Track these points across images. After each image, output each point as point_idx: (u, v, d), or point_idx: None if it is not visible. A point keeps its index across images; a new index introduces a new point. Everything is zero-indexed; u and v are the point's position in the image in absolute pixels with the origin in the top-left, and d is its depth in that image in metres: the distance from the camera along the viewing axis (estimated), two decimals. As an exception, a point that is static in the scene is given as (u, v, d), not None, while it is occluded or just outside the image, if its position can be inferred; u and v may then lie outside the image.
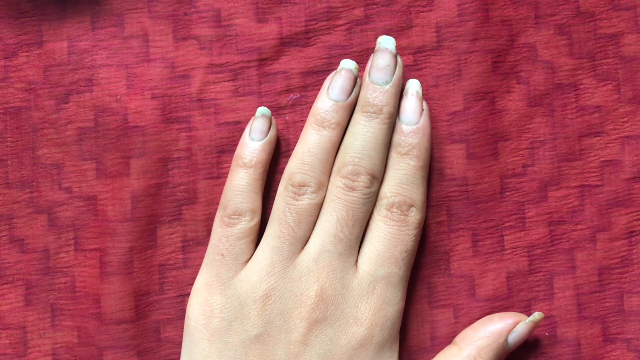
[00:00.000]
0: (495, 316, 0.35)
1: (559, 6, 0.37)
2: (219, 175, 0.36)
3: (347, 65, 0.35)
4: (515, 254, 0.36)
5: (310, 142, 0.34)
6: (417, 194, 0.34)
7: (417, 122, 0.34)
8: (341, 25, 0.36)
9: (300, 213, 0.34)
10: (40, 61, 0.36)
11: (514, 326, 0.34)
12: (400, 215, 0.34)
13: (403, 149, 0.34)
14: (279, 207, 0.34)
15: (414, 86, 0.35)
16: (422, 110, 0.35)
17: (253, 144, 0.35)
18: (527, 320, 0.34)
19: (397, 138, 0.35)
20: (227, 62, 0.36)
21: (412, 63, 0.36)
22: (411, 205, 0.34)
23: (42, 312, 0.36)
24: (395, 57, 0.34)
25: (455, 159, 0.36)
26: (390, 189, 0.34)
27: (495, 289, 0.36)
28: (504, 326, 0.34)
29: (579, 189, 0.37)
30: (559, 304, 0.36)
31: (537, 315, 0.34)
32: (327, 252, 0.33)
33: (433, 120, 0.36)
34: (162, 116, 0.36)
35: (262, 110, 0.35)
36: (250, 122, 0.35)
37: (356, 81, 0.35)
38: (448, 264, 0.36)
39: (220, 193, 0.36)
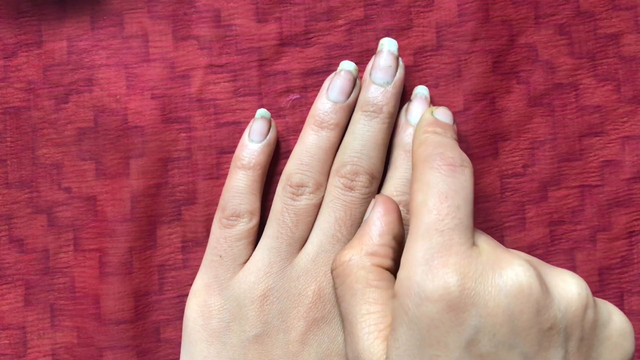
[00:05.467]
0: None
1: (559, 6, 0.37)
2: (218, 175, 0.36)
3: (347, 66, 0.35)
4: (515, 254, 0.36)
5: (309, 142, 0.34)
6: None
7: None
8: (341, 26, 0.36)
9: (299, 213, 0.34)
10: (40, 61, 0.36)
11: None
12: (406, 214, 0.34)
13: (411, 148, 0.34)
14: (278, 207, 0.34)
15: (422, 90, 0.35)
16: None
17: (252, 145, 0.35)
18: None
19: (406, 137, 0.34)
20: (227, 63, 0.36)
21: (412, 63, 0.36)
22: None
23: (42, 312, 0.36)
24: (397, 59, 0.34)
25: (455, 159, 0.36)
26: (397, 187, 0.34)
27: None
28: None
29: (579, 189, 0.37)
30: (559, 304, 0.36)
31: None
32: (325, 252, 0.33)
33: (433, 120, 0.36)
34: (161, 116, 0.36)
35: (262, 112, 0.35)
36: (250, 123, 0.35)
37: (355, 82, 0.35)
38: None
39: (220, 194, 0.36)
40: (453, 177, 0.29)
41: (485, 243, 0.29)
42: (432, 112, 0.32)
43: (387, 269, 0.31)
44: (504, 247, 0.29)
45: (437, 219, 0.28)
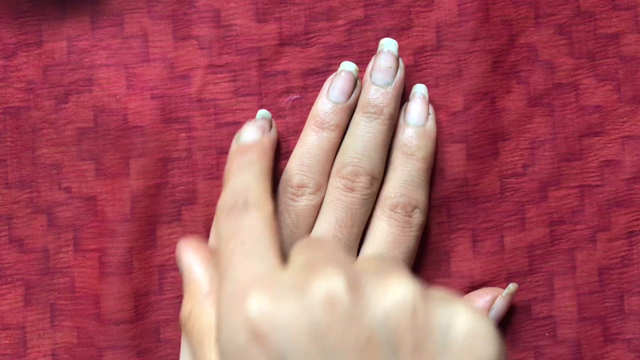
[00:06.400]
0: (473, 295, 0.35)
1: (559, 6, 0.37)
2: (218, 176, 0.36)
3: (348, 67, 0.35)
4: (515, 255, 0.36)
5: (310, 143, 0.34)
6: (421, 195, 0.34)
7: (424, 124, 0.35)
8: (341, 26, 0.36)
9: (299, 214, 0.34)
10: (40, 61, 0.36)
11: (493, 303, 0.34)
12: (405, 216, 0.34)
13: (409, 149, 0.34)
14: (278, 208, 0.34)
15: (420, 89, 0.35)
16: (429, 113, 0.35)
17: None
18: (503, 294, 0.34)
19: (404, 139, 0.35)
20: (227, 63, 0.36)
21: (412, 63, 0.36)
22: (415, 207, 0.34)
23: (42, 312, 0.36)
24: (397, 59, 0.34)
25: (456, 159, 0.36)
26: (395, 189, 0.34)
27: (495, 289, 0.36)
28: (484, 305, 0.34)
29: (578, 189, 0.37)
30: (559, 304, 0.36)
31: (512, 287, 0.35)
32: (325, 253, 0.33)
33: (433, 120, 0.36)
34: (161, 116, 0.36)
35: (262, 112, 0.35)
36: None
37: (356, 83, 0.35)
38: (448, 265, 0.36)
39: (220, 194, 0.36)
40: (238, 221, 0.28)
41: (302, 262, 0.26)
42: (237, 138, 0.33)
43: None
44: (330, 258, 0.26)
45: (229, 258, 0.27)
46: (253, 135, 0.33)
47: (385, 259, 0.28)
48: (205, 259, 0.31)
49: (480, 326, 0.25)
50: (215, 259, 0.31)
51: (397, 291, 0.25)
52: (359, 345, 0.24)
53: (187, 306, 0.30)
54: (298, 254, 0.27)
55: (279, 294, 0.25)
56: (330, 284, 0.25)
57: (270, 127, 0.35)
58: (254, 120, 0.35)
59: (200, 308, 0.29)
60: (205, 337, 0.29)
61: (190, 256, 0.31)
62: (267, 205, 0.29)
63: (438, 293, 0.27)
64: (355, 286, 0.25)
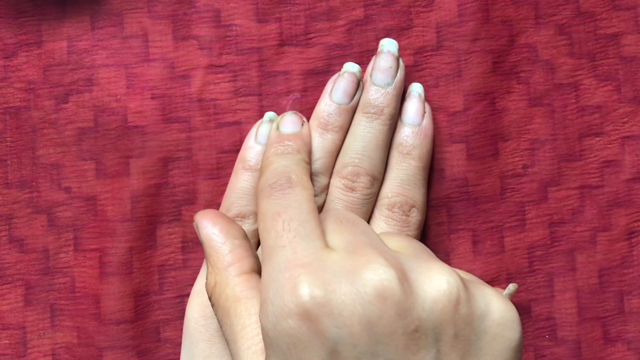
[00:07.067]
0: None
1: (559, 6, 0.37)
2: (219, 176, 0.36)
3: (350, 68, 0.35)
4: (516, 255, 0.36)
5: (314, 145, 0.34)
6: (418, 194, 0.34)
7: (420, 123, 0.35)
8: (341, 26, 0.36)
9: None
10: (40, 61, 0.36)
11: None
12: (402, 215, 0.34)
13: (405, 148, 0.34)
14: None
15: (416, 88, 0.35)
16: (425, 112, 0.35)
17: (259, 147, 0.35)
18: (503, 294, 0.34)
19: (400, 138, 0.35)
20: (227, 63, 0.36)
21: (412, 63, 0.36)
22: (412, 206, 0.34)
23: (42, 312, 0.36)
24: (398, 59, 0.34)
25: (456, 159, 0.36)
26: (392, 189, 0.34)
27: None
28: None
29: (579, 189, 0.37)
30: (559, 305, 0.36)
31: (512, 287, 0.35)
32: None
33: (433, 120, 0.36)
34: (162, 116, 0.36)
35: (270, 115, 0.35)
36: (257, 126, 0.35)
37: (359, 84, 0.35)
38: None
39: (220, 194, 0.36)
40: (283, 198, 0.29)
41: (344, 245, 0.28)
42: (277, 126, 0.33)
43: (252, 271, 0.31)
44: (369, 243, 0.28)
45: (276, 237, 0.28)
46: (294, 126, 0.33)
47: (411, 241, 0.30)
48: (224, 228, 0.31)
49: (510, 313, 0.27)
50: (234, 227, 0.32)
51: (442, 282, 0.26)
52: (407, 334, 0.25)
53: (211, 277, 0.31)
54: (334, 232, 0.29)
55: (329, 280, 0.26)
56: (381, 275, 0.26)
57: (303, 122, 0.35)
58: (292, 111, 0.34)
59: (224, 278, 0.30)
60: (231, 306, 0.29)
61: (209, 226, 0.32)
62: (310, 185, 0.30)
63: (470, 278, 0.29)
64: (403, 277, 0.26)
